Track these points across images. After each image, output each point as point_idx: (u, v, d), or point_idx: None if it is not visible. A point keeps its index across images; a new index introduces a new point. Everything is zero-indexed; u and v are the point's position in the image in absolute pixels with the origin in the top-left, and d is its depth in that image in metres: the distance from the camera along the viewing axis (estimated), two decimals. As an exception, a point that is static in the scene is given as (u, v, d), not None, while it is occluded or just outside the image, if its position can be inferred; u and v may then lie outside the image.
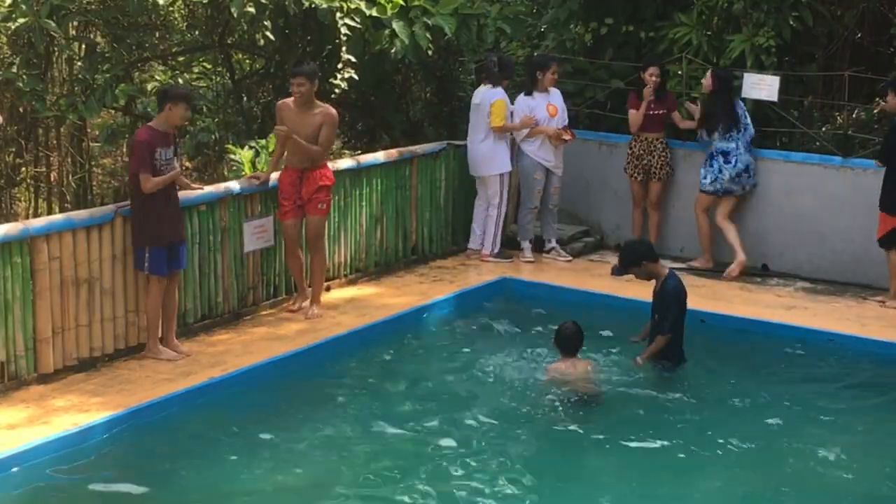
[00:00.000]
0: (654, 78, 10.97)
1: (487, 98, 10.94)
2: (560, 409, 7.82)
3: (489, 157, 11.01)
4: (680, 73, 11.50)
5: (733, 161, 10.67)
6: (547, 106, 11.08)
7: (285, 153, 9.37)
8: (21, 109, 11.80)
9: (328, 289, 10.00)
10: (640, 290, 10.19)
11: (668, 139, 11.27)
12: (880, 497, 6.91)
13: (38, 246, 7.77)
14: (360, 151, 10.68)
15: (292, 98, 9.30)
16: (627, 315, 9.78)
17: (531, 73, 11.15)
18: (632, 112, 11.13)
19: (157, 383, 7.92)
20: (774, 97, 10.81)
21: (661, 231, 11.38)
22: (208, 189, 9.00)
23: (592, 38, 12.29)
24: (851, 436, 7.68)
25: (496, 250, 11.16)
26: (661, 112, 11.12)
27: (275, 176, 9.40)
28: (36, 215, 12.23)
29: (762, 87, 10.73)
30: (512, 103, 11.07)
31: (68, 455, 6.98)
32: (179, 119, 8.43)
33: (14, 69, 11.06)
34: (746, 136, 10.68)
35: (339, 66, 10.76)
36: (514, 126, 10.97)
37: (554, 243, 11.38)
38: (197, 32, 12.74)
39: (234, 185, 9.18)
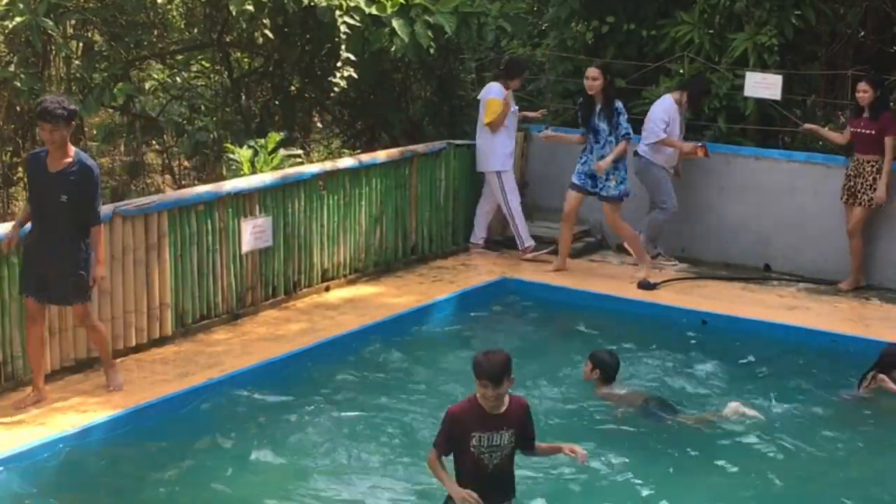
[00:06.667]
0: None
1: (483, 94, 11.07)
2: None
3: (484, 153, 11.09)
4: (682, 71, 11.46)
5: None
6: None
7: None
8: (18, 108, 11.74)
9: (328, 289, 9.98)
10: (638, 292, 10.19)
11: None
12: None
13: (35, 246, 7.71)
14: (359, 151, 10.62)
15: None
16: (626, 315, 9.76)
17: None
18: None
19: (155, 384, 7.88)
20: (777, 96, 10.79)
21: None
22: (207, 188, 8.94)
23: (594, 37, 12.27)
24: (852, 433, 7.68)
25: (528, 245, 11.09)
26: None
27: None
28: (34, 215, 12.15)
29: (765, 85, 10.71)
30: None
31: (67, 455, 6.94)
32: None
33: (11, 68, 11.01)
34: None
35: (339, 64, 10.72)
36: (496, 119, 10.88)
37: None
38: (195, 31, 12.71)
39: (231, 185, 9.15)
